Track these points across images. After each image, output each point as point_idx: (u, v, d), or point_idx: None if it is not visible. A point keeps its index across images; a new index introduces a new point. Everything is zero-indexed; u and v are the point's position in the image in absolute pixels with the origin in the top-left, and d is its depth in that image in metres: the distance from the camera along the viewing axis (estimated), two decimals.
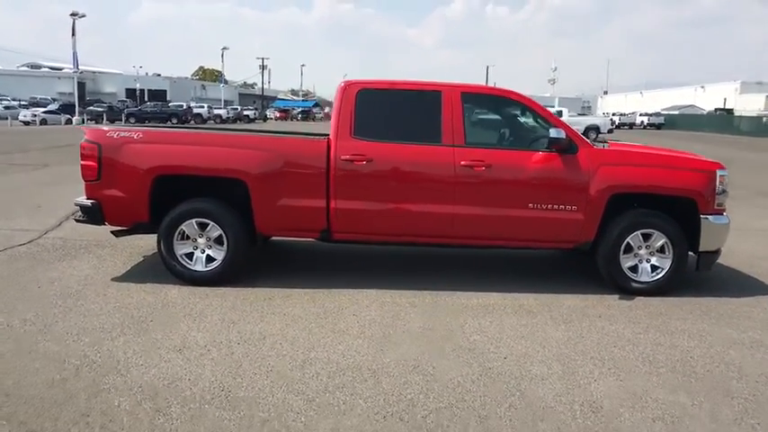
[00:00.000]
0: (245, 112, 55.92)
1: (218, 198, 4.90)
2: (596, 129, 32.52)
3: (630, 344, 3.87)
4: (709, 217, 4.83)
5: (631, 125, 55.50)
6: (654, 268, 4.90)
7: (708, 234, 4.84)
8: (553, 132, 4.65)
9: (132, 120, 40.01)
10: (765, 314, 4.53)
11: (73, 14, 38.94)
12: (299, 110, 70.74)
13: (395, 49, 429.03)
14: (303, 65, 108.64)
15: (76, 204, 5.00)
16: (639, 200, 4.89)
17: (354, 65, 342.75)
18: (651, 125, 54.30)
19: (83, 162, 4.84)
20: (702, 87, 72.65)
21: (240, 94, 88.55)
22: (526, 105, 5.02)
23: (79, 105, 43.08)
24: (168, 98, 64.40)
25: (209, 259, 4.90)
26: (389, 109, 4.96)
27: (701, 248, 4.88)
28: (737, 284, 5.30)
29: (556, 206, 4.79)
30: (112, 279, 5.01)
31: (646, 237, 4.86)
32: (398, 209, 4.82)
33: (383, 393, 3.11)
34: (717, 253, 4.98)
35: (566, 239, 4.92)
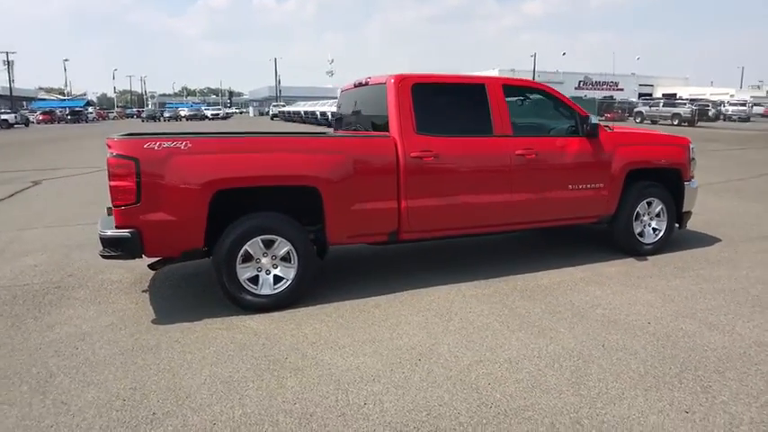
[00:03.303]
0: (3, 116, 46.95)
1: (279, 210, 4.37)
2: None
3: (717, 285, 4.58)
4: (688, 183, 5.85)
5: None
6: (655, 231, 5.76)
7: (688, 197, 5.86)
8: (592, 119, 5.16)
9: None
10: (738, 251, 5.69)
11: None
12: (68, 110, 61.75)
13: (156, 40, 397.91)
14: (66, 59, 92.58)
15: (104, 237, 3.99)
16: (643, 173, 5.67)
17: (112, 58, 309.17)
18: None
19: (114, 183, 3.89)
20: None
21: None
22: (554, 95, 5.42)
23: None
24: None
25: (276, 280, 4.36)
26: (441, 103, 4.92)
27: (684, 209, 5.88)
28: (696, 238, 6.49)
29: (588, 185, 5.32)
30: (153, 322, 4.15)
31: (648, 204, 5.68)
32: (464, 202, 4.86)
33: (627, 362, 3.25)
34: (690, 213, 6.04)
35: (594, 214, 5.49)
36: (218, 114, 63.19)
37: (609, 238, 5.84)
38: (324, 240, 4.49)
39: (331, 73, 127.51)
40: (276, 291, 4.34)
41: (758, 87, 73.71)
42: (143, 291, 4.89)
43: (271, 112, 58.99)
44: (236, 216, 4.22)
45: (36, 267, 5.55)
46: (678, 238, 6.18)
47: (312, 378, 3.24)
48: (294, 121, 45.71)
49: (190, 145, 4.02)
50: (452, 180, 4.79)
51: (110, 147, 3.95)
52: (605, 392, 3.02)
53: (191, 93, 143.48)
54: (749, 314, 4.11)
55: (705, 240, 6.29)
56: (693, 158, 5.92)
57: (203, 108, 68.14)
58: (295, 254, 4.33)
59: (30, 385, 3.20)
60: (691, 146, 5.92)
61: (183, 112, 62.88)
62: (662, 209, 5.72)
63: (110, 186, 3.91)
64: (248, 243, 4.20)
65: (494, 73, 75.47)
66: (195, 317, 4.21)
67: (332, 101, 44.57)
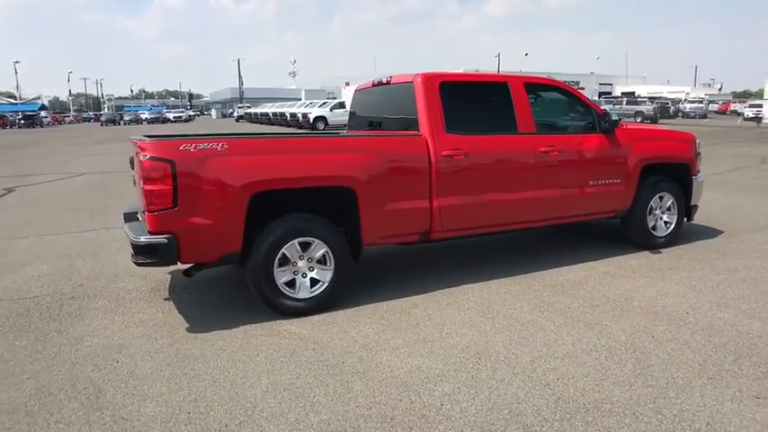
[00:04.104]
0: None
1: (310, 212, 4.28)
2: None
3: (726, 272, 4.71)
4: (696, 177, 6.01)
5: None
6: (666, 224, 5.90)
7: (696, 191, 6.02)
8: (612, 116, 5.24)
9: None
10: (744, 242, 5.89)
11: None
12: (21, 114, 59.37)
13: (111, 41, 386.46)
14: (17, 61, 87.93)
15: (136, 244, 3.82)
16: (655, 168, 5.80)
17: (64, 60, 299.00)
18: None
19: (149, 186, 3.73)
20: None
21: None
22: (570, 93, 5.48)
23: None
24: None
25: (313, 283, 4.27)
26: (467, 102, 4.92)
27: (692, 203, 6.04)
28: (700, 230, 6.67)
29: (607, 180, 5.41)
30: (188, 330, 4.00)
31: (660, 198, 5.81)
32: (492, 200, 4.87)
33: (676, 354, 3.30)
34: (697, 206, 6.20)
35: (612, 209, 5.58)
36: (180, 117, 61.87)
37: (619, 233, 5.96)
38: (358, 241, 4.42)
39: (294, 74, 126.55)
40: (314, 294, 4.25)
41: (709, 86, 76.72)
42: (165, 299, 4.72)
43: (236, 114, 58.06)
44: (264, 220, 4.10)
45: (41, 278, 5.30)
46: (684, 230, 6.34)
47: (377, 381, 3.18)
48: (262, 123, 45.11)
49: (226, 146, 3.90)
50: (481, 178, 4.80)
51: (143, 149, 3.80)
52: (673, 382, 3.07)
53: (149, 95, 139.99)
54: None
55: (709, 233, 6.47)
56: (699, 153, 6.09)
57: (164, 111, 66.52)
58: (331, 256, 4.26)
59: (80, 402, 3.04)
60: (697, 141, 6.08)
61: (144, 115, 61.28)
62: (672, 202, 5.86)
63: (144, 190, 3.76)
64: (286, 246, 4.10)
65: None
66: (230, 323, 4.09)
67: (301, 102, 44.27)
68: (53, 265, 5.73)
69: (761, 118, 33.24)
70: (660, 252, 5.70)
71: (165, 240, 3.76)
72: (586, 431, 2.64)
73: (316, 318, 4.18)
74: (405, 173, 4.49)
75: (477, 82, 5.08)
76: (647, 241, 5.77)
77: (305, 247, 4.20)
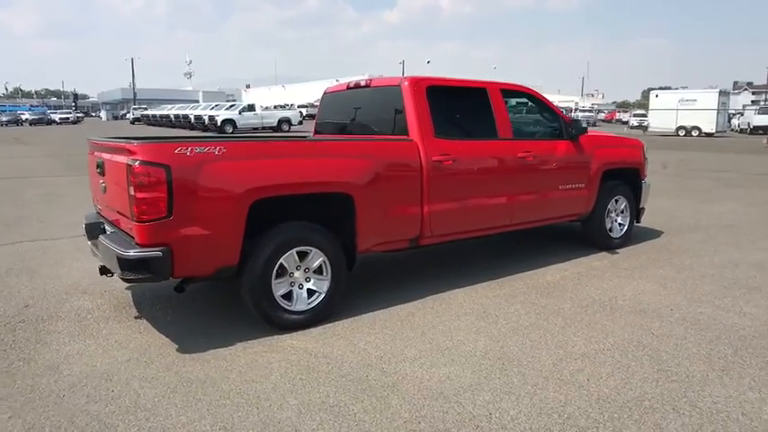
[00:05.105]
0: None
1: (307, 219, 4.08)
2: (288, 121, 34.16)
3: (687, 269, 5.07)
4: (644, 180, 6.45)
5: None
6: (620, 226, 6.27)
7: (645, 194, 6.45)
8: (582, 123, 5.48)
9: None
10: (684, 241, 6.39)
11: None
12: None
13: None
14: None
15: (125, 259, 3.42)
16: (611, 173, 6.12)
17: None
18: (308, 116, 59.26)
19: (140, 194, 3.36)
20: (337, 80, 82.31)
21: None
22: (539, 99, 5.65)
23: None
24: None
25: (309, 294, 4.07)
26: (452, 106, 4.92)
27: (641, 205, 6.46)
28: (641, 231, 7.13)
29: (574, 185, 5.65)
30: (180, 351, 3.66)
31: (616, 201, 6.16)
32: (477, 205, 4.91)
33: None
34: (644, 208, 6.64)
35: (577, 212, 5.82)
36: (67, 118, 57.07)
37: (572, 235, 6.26)
38: (352, 250, 4.27)
39: (190, 75, 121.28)
40: (311, 305, 4.05)
41: (593, 95, 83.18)
42: (135, 317, 4.30)
43: (131, 116, 54.53)
44: (255, 230, 3.83)
45: None
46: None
47: (412, 394, 3.07)
48: (162, 126, 42.74)
49: (224, 150, 3.61)
50: (467, 183, 4.82)
51: (132, 152, 3.41)
52: (693, 376, 3.23)
53: (26, 95, 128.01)
54: (743, 295, 4.63)
55: (651, 233, 6.95)
56: (646, 158, 6.53)
57: (48, 112, 61.08)
58: (328, 265, 4.08)
59: None
60: (644, 147, 6.52)
61: (25, 115, 55.87)
62: (626, 205, 6.24)
63: (135, 198, 3.37)
64: (284, 256, 3.87)
65: (363, 78, 76.67)
66: (223, 341, 3.79)
67: (206, 104, 42.41)
68: None
69: (646, 126, 36.48)
70: (617, 252, 6.04)
71: (160, 253, 3.41)
72: (640, 430, 2.70)
73: (314, 330, 3.98)
74: (397, 178, 4.41)
75: (460, 87, 5.10)
76: (605, 243, 6.09)
77: (302, 256, 3.99)
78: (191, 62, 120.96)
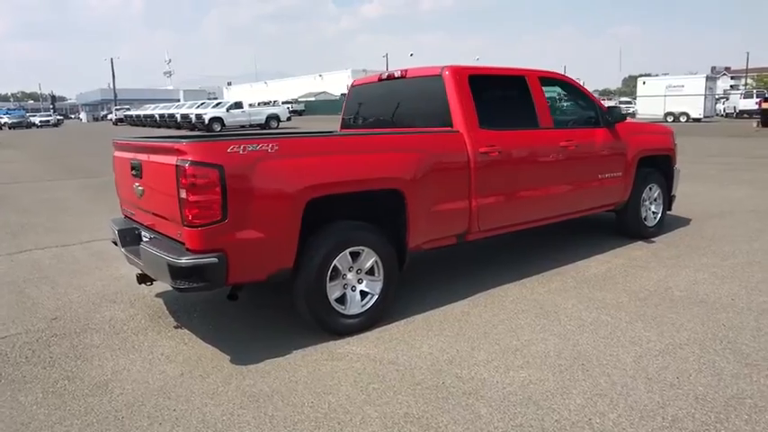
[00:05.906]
0: None
1: (356, 218, 3.88)
2: (277, 117, 33.75)
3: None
4: (675, 167, 6.33)
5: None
6: (654, 214, 6.14)
7: (676, 180, 6.33)
8: (621, 110, 5.32)
9: None
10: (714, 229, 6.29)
11: None
12: None
13: None
14: None
15: (178, 267, 3.18)
16: (645, 161, 5.98)
17: None
18: (294, 112, 58.72)
19: (193, 197, 3.13)
20: (321, 76, 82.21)
21: None
22: (575, 87, 5.49)
23: None
24: None
25: (362, 296, 3.87)
26: (493, 96, 4.73)
27: (673, 192, 6.35)
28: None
29: (613, 173, 5.50)
30: (233, 362, 3.44)
31: (650, 189, 6.03)
32: (523, 197, 4.75)
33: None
34: (675, 196, 6.52)
35: (614, 201, 5.68)
36: (48, 121, 55.94)
37: (601, 225, 6.12)
38: (402, 248, 4.07)
39: (170, 74, 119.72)
40: (365, 308, 3.85)
41: None
42: (175, 327, 4.06)
43: (114, 117, 53.58)
44: (306, 230, 3.61)
45: None
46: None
47: (498, 400, 2.89)
48: (146, 126, 42.05)
49: (277, 147, 3.38)
50: (512, 175, 4.64)
51: (182, 153, 3.17)
52: None
53: (3, 98, 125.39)
54: None
55: (680, 221, 6.83)
56: (676, 144, 6.41)
57: (27, 115, 59.79)
58: (380, 265, 3.88)
59: None
60: (674, 133, 6.40)
61: (4, 119, 54.60)
62: (659, 193, 6.12)
63: (186, 201, 3.14)
64: (338, 257, 3.66)
65: (346, 73, 76.28)
66: (277, 350, 3.58)
67: (191, 103, 41.72)
68: None
69: (633, 113, 36.68)
70: (653, 241, 5.91)
71: (216, 260, 3.18)
72: (753, 430, 2.55)
73: (370, 335, 3.78)
74: (447, 172, 4.22)
75: (499, 75, 4.91)
76: (639, 232, 5.96)
77: (354, 257, 3.79)
78: (170, 61, 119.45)
